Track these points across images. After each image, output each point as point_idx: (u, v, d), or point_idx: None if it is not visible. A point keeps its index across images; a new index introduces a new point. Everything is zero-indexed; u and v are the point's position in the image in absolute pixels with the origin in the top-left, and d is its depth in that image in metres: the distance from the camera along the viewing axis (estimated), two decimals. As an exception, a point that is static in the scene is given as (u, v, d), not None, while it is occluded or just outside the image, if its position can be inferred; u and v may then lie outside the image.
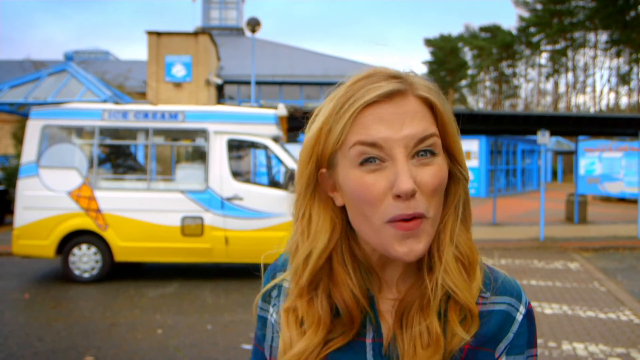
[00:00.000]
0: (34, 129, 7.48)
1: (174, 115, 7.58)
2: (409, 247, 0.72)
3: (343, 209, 0.79)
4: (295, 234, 0.82)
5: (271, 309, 0.87)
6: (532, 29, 50.95)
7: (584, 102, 52.67)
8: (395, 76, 0.74)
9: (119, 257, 7.38)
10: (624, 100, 50.40)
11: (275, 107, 8.23)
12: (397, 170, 0.70)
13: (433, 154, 0.73)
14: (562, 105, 52.33)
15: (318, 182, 0.79)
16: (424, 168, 0.72)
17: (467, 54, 57.05)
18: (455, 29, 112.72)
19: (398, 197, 0.70)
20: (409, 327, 0.76)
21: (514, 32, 52.64)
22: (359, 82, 0.74)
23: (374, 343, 0.78)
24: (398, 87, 0.72)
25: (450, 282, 0.75)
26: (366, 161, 0.72)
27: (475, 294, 0.77)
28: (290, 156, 7.69)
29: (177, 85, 18.85)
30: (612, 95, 51.62)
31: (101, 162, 8.37)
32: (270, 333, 0.87)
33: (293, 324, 0.80)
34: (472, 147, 22.22)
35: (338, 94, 0.75)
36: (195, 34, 19.43)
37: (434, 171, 0.72)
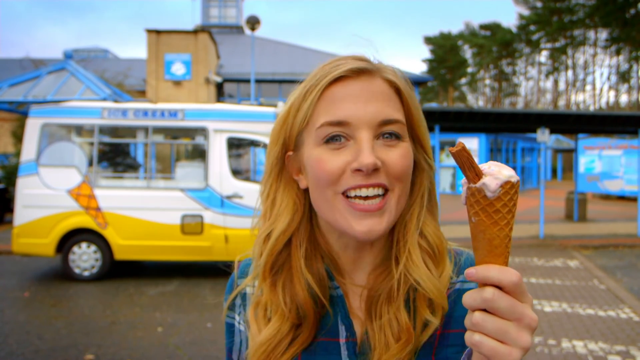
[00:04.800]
0: (33, 127, 7.47)
1: (173, 114, 7.58)
2: (368, 227, 0.71)
3: (307, 192, 0.79)
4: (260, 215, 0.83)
5: (237, 317, 0.86)
6: (532, 27, 50.90)
7: (583, 100, 52.66)
8: (364, 59, 0.75)
9: (119, 255, 7.38)
10: (623, 98, 50.42)
11: (275, 105, 8.24)
12: (361, 147, 0.70)
13: (398, 137, 0.73)
14: (561, 103, 52.31)
15: (284, 164, 0.80)
16: (390, 149, 0.72)
17: (467, 52, 57.04)
18: (455, 27, 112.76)
19: (358, 170, 0.70)
20: (378, 318, 0.75)
21: (514, 30, 52.62)
22: (328, 64, 0.76)
23: (347, 342, 0.77)
24: (366, 66, 0.74)
25: (415, 274, 0.75)
26: (331, 139, 0.72)
27: (446, 282, 0.77)
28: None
29: (177, 83, 18.82)
30: (612, 93, 51.64)
31: (101, 160, 8.37)
32: (239, 338, 0.86)
33: (261, 316, 0.79)
34: (472, 145, 22.19)
35: (308, 77, 0.77)
36: (195, 32, 19.41)
37: (400, 152, 0.72)
